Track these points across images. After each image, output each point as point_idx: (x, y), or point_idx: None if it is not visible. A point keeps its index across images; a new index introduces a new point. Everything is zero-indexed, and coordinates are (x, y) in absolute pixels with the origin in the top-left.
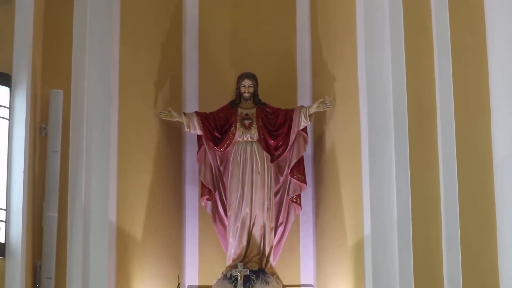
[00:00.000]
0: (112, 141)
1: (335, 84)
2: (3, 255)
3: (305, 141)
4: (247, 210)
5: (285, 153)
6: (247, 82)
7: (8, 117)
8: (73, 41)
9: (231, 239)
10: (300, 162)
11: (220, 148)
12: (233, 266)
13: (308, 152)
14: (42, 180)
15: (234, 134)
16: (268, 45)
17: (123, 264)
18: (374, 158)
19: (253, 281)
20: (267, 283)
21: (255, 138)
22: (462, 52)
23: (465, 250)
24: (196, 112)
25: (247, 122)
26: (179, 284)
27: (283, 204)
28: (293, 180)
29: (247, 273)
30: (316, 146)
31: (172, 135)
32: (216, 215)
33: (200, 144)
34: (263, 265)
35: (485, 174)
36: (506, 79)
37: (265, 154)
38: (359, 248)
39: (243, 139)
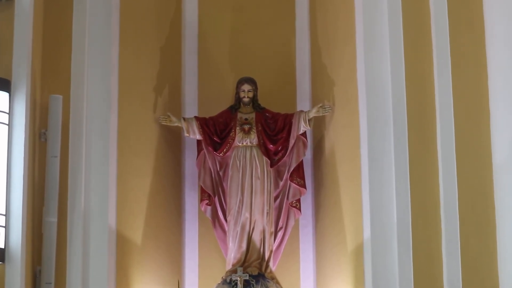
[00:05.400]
0: (111, 146)
1: (335, 88)
2: (2, 260)
3: (305, 145)
4: (247, 215)
5: (284, 158)
6: (246, 87)
7: (7, 123)
8: (73, 46)
9: (230, 244)
10: (300, 167)
11: (219, 153)
12: (233, 271)
13: (307, 157)
14: (42, 186)
15: (233, 139)
16: (267, 50)
17: (123, 269)
18: (374, 162)
19: (253, 286)
20: (267, 287)
21: (254, 143)
22: (461, 56)
23: (465, 254)
24: (195, 117)
25: (246, 127)
26: None
27: (283, 209)
28: (293, 184)
29: (247, 277)
30: (316, 151)
31: (171, 140)
32: (215, 220)
33: (199, 149)
34: (263, 269)
35: (485, 177)
36: (506, 83)
37: (265, 158)
38: (359, 252)
39: (242, 144)
